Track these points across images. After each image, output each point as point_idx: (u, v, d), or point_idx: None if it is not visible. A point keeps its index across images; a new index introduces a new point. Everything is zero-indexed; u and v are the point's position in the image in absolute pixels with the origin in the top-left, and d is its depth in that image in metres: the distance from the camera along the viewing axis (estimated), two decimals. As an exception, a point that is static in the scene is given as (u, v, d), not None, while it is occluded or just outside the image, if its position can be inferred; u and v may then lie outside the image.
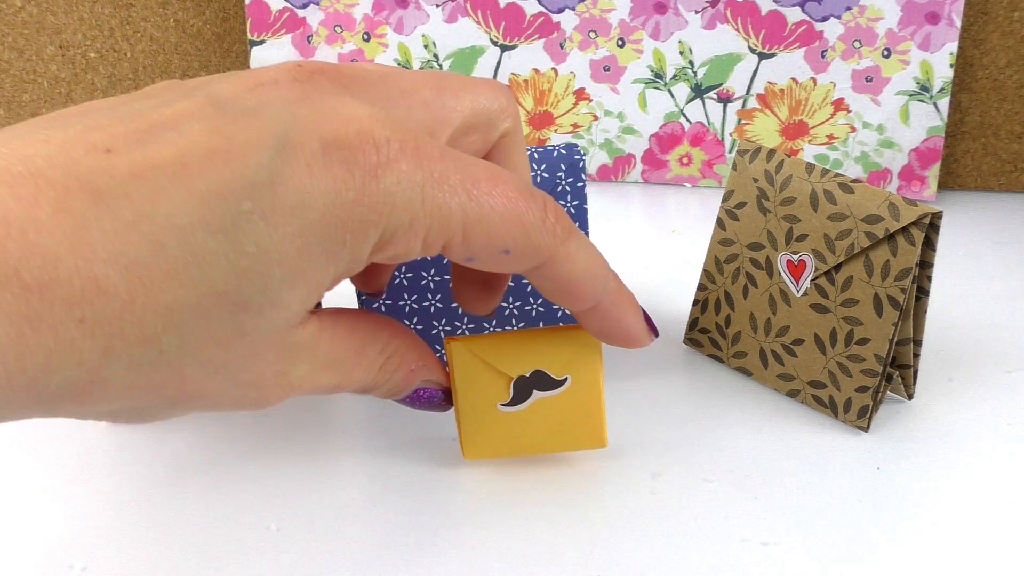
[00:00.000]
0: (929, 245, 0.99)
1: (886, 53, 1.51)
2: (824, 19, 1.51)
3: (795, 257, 1.05)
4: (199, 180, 0.59)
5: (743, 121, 1.57)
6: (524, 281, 1.07)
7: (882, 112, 1.54)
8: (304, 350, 0.70)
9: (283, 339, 0.67)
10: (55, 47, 1.61)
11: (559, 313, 1.08)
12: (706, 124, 1.57)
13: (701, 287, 1.14)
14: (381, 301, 1.05)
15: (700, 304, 1.14)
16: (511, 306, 1.07)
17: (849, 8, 1.50)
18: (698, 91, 1.56)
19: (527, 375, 0.92)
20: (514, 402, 0.94)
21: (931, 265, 1.00)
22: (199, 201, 0.59)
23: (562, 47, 1.55)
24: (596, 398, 0.94)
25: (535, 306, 1.08)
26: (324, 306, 1.18)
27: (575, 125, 1.58)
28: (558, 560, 0.86)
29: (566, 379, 0.93)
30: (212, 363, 0.63)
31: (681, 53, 1.54)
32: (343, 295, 1.24)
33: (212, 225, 0.59)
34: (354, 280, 0.90)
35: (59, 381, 0.57)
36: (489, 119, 0.78)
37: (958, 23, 1.48)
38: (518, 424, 0.94)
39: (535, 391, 0.93)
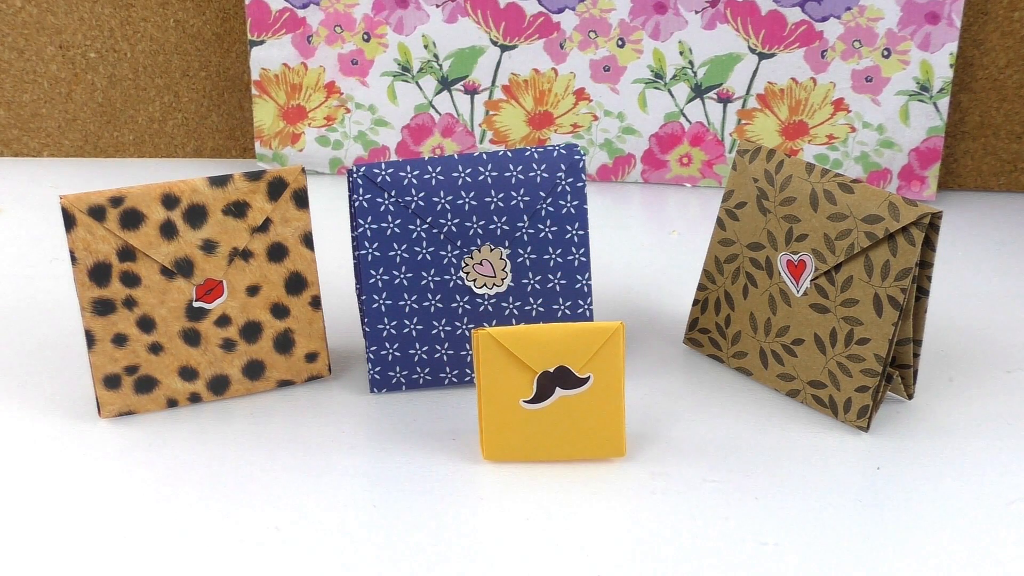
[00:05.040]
0: (929, 245, 0.99)
1: (886, 53, 1.51)
2: (824, 19, 1.51)
3: (795, 257, 1.05)
4: None
5: (743, 121, 1.57)
6: (524, 281, 1.07)
7: (882, 112, 1.54)
8: None
9: None
10: (55, 47, 1.61)
11: (559, 314, 1.08)
12: (706, 124, 1.57)
13: (701, 287, 1.14)
14: (381, 301, 1.05)
15: (700, 304, 1.14)
16: (511, 306, 1.07)
17: (849, 8, 1.50)
18: (698, 91, 1.56)
19: (551, 371, 0.94)
20: (537, 399, 0.95)
21: (931, 265, 1.00)
22: None
23: (562, 47, 1.55)
24: (617, 401, 0.95)
25: (535, 306, 1.08)
26: (324, 305, 1.18)
27: (575, 125, 1.58)
28: (558, 559, 0.86)
29: (589, 377, 0.94)
30: None
31: (681, 53, 1.54)
32: (344, 295, 1.24)
33: None
34: None
35: None
36: None
37: (958, 23, 1.49)
38: (539, 425, 0.95)
39: (558, 388, 0.94)
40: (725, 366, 1.13)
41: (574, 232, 1.07)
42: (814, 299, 1.04)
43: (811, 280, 1.04)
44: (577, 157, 1.06)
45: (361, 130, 1.59)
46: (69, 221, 0.97)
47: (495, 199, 1.05)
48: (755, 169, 1.08)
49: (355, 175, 1.03)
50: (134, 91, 1.64)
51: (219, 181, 1.00)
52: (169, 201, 0.99)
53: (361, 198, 1.03)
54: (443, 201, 1.04)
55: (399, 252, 1.04)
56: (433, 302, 1.05)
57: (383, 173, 1.03)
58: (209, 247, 1.01)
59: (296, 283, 1.04)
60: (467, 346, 1.07)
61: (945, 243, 1.41)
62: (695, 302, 1.15)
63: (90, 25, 1.61)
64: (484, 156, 1.05)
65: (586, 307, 1.08)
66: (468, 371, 1.08)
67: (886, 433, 1.02)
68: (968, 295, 1.30)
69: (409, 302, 1.05)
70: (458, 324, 1.06)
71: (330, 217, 1.38)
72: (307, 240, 1.04)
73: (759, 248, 1.08)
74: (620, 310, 1.25)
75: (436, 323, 1.06)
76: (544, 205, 1.06)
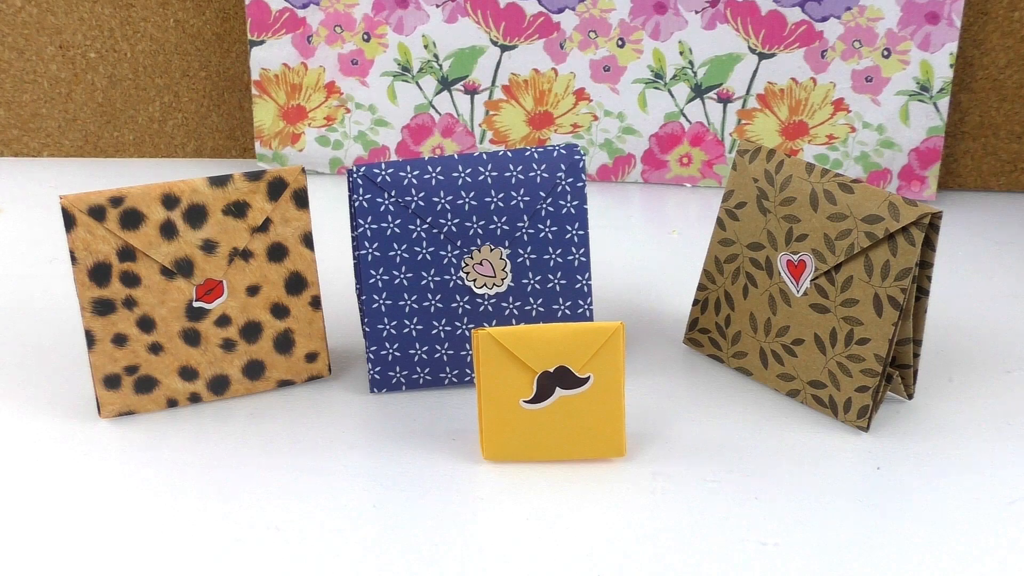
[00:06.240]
0: (929, 245, 0.99)
1: (886, 53, 1.51)
2: (824, 19, 1.51)
3: (795, 257, 1.05)
4: None
5: (743, 121, 1.57)
6: (524, 281, 1.07)
7: (882, 112, 1.54)
8: None
9: None
10: (55, 47, 1.61)
11: (559, 314, 1.08)
12: (706, 124, 1.57)
13: (701, 287, 1.14)
14: (381, 301, 1.05)
15: (700, 304, 1.14)
16: (511, 306, 1.07)
17: (849, 8, 1.50)
18: (698, 91, 1.56)
19: (551, 371, 0.94)
20: (537, 399, 0.95)
21: (931, 265, 1.00)
22: None
23: (562, 47, 1.55)
24: (617, 401, 0.95)
25: (535, 306, 1.08)
26: (324, 305, 1.18)
27: (575, 125, 1.58)
28: (558, 559, 0.86)
29: (589, 377, 0.94)
30: None
31: (681, 53, 1.54)
32: (344, 294, 1.24)
33: None
34: None
35: None
36: None
37: (958, 23, 1.49)
38: (539, 424, 0.95)
39: (558, 388, 0.94)
40: (725, 366, 1.13)
41: (574, 232, 1.07)
42: (814, 299, 1.04)
43: (811, 280, 1.04)
44: (577, 157, 1.06)
45: (361, 130, 1.59)
46: (69, 221, 0.97)
47: (495, 199, 1.05)
48: (755, 169, 1.08)
49: (355, 175, 1.03)
50: (134, 91, 1.64)
51: (219, 181, 1.00)
52: (169, 201, 0.99)
53: (361, 198, 1.03)
54: (443, 201, 1.04)
55: (399, 252, 1.04)
56: (433, 302, 1.05)
57: (383, 173, 1.03)
58: (209, 247, 1.01)
59: (296, 283, 1.04)
60: (467, 346, 1.07)
61: (945, 243, 1.41)
62: (695, 302, 1.15)
63: (90, 25, 1.61)
64: (484, 156, 1.05)
65: (586, 307, 1.08)
66: (468, 371, 1.08)
67: (886, 433, 1.02)
68: (968, 295, 1.30)
69: (409, 302, 1.05)
70: (458, 324, 1.06)
71: (330, 217, 1.38)
72: (307, 240, 1.04)
73: (759, 248, 1.08)
74: (620, 310, 1.25)
75: (436, 323, 1.06)
76: (544, 205, 1.06)
